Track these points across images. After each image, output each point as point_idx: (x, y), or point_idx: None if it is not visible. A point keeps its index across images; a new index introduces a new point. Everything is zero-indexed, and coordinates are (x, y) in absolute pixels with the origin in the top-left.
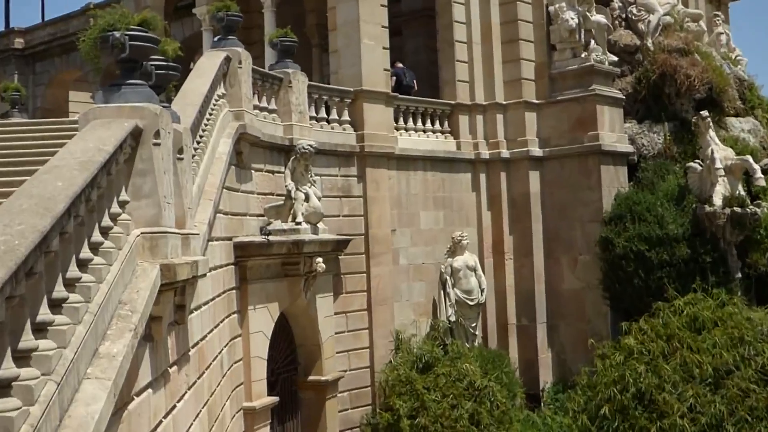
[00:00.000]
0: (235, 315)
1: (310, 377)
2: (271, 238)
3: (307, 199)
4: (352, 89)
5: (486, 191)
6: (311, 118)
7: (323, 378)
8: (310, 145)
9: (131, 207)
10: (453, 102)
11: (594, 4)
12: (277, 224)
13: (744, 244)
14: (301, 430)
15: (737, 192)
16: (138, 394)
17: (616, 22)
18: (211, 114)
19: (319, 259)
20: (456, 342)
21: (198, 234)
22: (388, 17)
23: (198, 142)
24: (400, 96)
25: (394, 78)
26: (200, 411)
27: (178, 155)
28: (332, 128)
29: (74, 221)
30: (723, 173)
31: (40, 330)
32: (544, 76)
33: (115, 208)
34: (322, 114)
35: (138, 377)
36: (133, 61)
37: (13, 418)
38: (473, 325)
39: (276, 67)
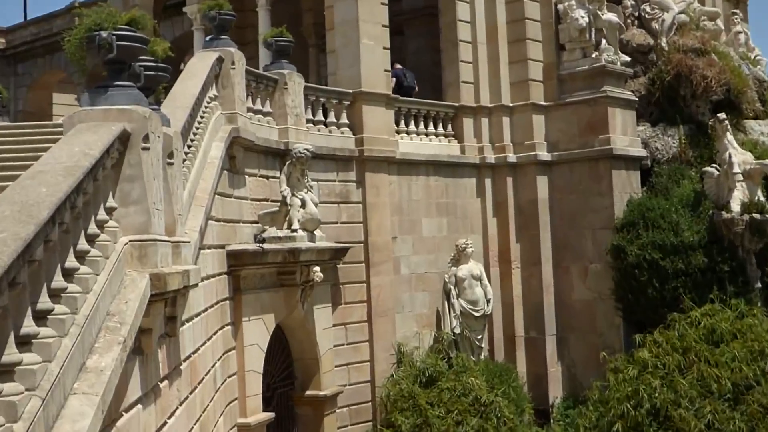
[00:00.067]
0: (229, 327)
1: (308, 392)
2: (265, 246)
3: (303, 205)
4: (350, 91)
5: (492, 197)
6: (308, 121)
7: (321, 393)
8: (307, 149)
9: (119, 214)
10: (457, 104)
11: (605, 2)
12: (272, 231)
13: (764, 252)
14: None
15: (756, 198)
16: (127, 410)
17: (629, 20)
18: (202, 117)
19: (317, 268)
20: (461, 355)
21: (189, 242)
22: (388, 16)
23: (189, 146)
24: (401, 98)
25: (394, 79)
26: (192, 428)
27: (168, 160)
28: (330, 131)
29: (59, 229)
30: (741, 178)
31: (24, 343)
32: (552, 77)
33: (102, 215)
34: (320, 117)
35: (127, 392)
36: (121, 62)
37: None
38: (479, 337)
39: (271, 68)
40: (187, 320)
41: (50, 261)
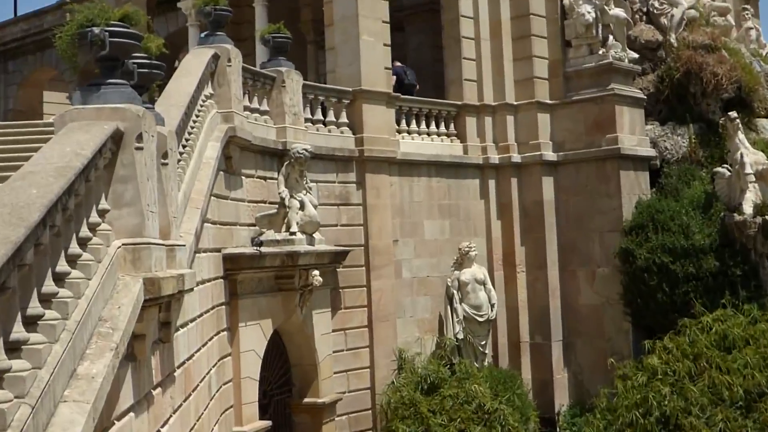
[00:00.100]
0: (225, 333)
1: (306, 399)
2: (263, 249)
3: (302, 207)
4: (350, 89)
5: (495, 199)
6: (306, 120)
7: (320, 400)
8: (306, 149)
9: (112, 216)
10: (459, 103)
11: None
12: (269, 234)
13: None
14: None
15: None
16: (119, 418)
17: (637, 16)
18: (197, 116)
19: (316, 272)
20: (464, 361)
21: (184, 245)
22: (389, 11)
23: (184, 146)
24: (402, 96)
25: (395, 77)
26: None
27: (163, 160)
28: (329, 131)
29: (50, 232)
30: (754, 179)
31: (13, 349)
32: (558, 75)
33: (94, 217)
34: (318, 116)
35: (119, 400)
36: (114, 59)
37: None
38: (483, 342)
39: (268, 66)
40: (182, 326)
41: (41, 265)
